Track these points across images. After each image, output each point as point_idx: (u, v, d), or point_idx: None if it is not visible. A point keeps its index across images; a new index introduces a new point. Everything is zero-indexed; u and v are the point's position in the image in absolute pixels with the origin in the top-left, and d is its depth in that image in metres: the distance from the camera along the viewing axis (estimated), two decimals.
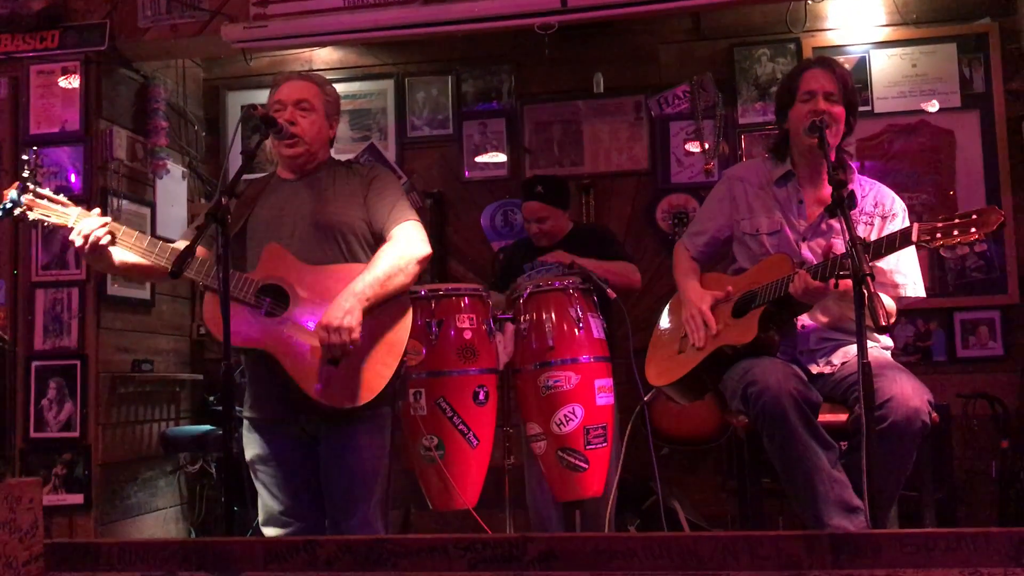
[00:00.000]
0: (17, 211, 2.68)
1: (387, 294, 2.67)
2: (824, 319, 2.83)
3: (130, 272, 2.84)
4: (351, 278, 2.65)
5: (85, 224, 2.63)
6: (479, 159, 4.84)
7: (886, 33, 4.52)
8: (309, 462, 2.75)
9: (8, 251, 4.16)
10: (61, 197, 2.74)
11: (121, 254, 2.73)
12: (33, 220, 2.70)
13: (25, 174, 2.70)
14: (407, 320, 2.76)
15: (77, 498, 3.99)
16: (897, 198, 2.90)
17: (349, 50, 4.92)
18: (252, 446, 2.78)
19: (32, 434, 4.05)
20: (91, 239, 2.61)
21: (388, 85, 4.93)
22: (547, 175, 4.26)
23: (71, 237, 2.64)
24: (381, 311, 2.69)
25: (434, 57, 4.89)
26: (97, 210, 2.75)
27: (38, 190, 2.71)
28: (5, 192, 2.72)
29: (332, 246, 2.75)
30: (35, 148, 3.13)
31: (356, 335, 2.56)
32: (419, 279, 2.86)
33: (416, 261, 2.74)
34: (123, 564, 1.64)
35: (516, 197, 4.66)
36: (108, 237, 2.65)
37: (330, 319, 2.55)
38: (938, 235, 2.37)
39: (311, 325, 2.62)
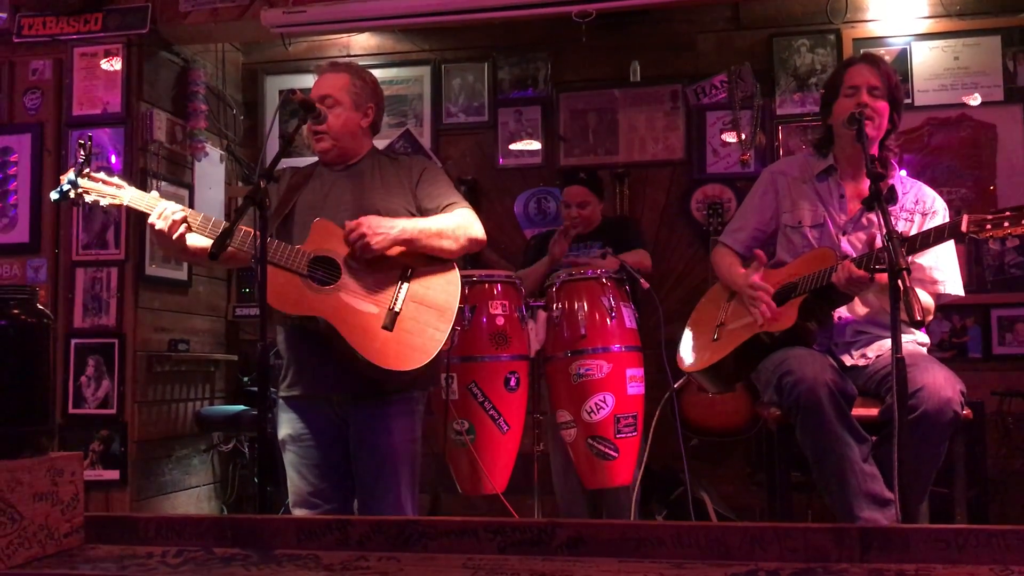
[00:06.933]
0: (74, 194, 2.75)
1: (427, 247, 2.70)
2: (863, 311, 2.81)
3: (198, 256, 2.85)
4: None
5: (166, 208, 2.66)
6: (514, 146, 4.84)
7: (928, 25, 4.46)
8: (340, 444, 2.77)
9: (50, 230, 4.24)
10: (114, 179, 2.79)
11: (193, 239, 2.75)
12: (91, 202, 2.75)
13: (80, 158, 2.75)
14: (456, 287, 2.76)
15: (113, 474, 4.07)
16: (938, 197, 2.89)
17: (386, 36, 4.94)
18: (285, 425, 2.81)
19: (70, 410, 4.13)
20: (169, 222, 2.64)
21: (424, 71, 4.94)
22: (587, 167, 4.33)
23: (151, 220, 2.66)
24: (430, 279, 2.72)
25: (471, 44, 4.89)
26: (155, 193, 2.77)
27: (92, 173, 2.77)
28: (62, 176, 2.78)
29: None
30: (89, 135, 3.19)
31: (373, 247, 2.61)
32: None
33: (468, 235, 2.76)
34: (160, 539, 1.67)
35: (550, 185, 4.68)
36: (184, 223, 2.67)
37: (363, 220, 2.61)
38: (988, 226, 2.36)
39: (363, 293, 2.66)
